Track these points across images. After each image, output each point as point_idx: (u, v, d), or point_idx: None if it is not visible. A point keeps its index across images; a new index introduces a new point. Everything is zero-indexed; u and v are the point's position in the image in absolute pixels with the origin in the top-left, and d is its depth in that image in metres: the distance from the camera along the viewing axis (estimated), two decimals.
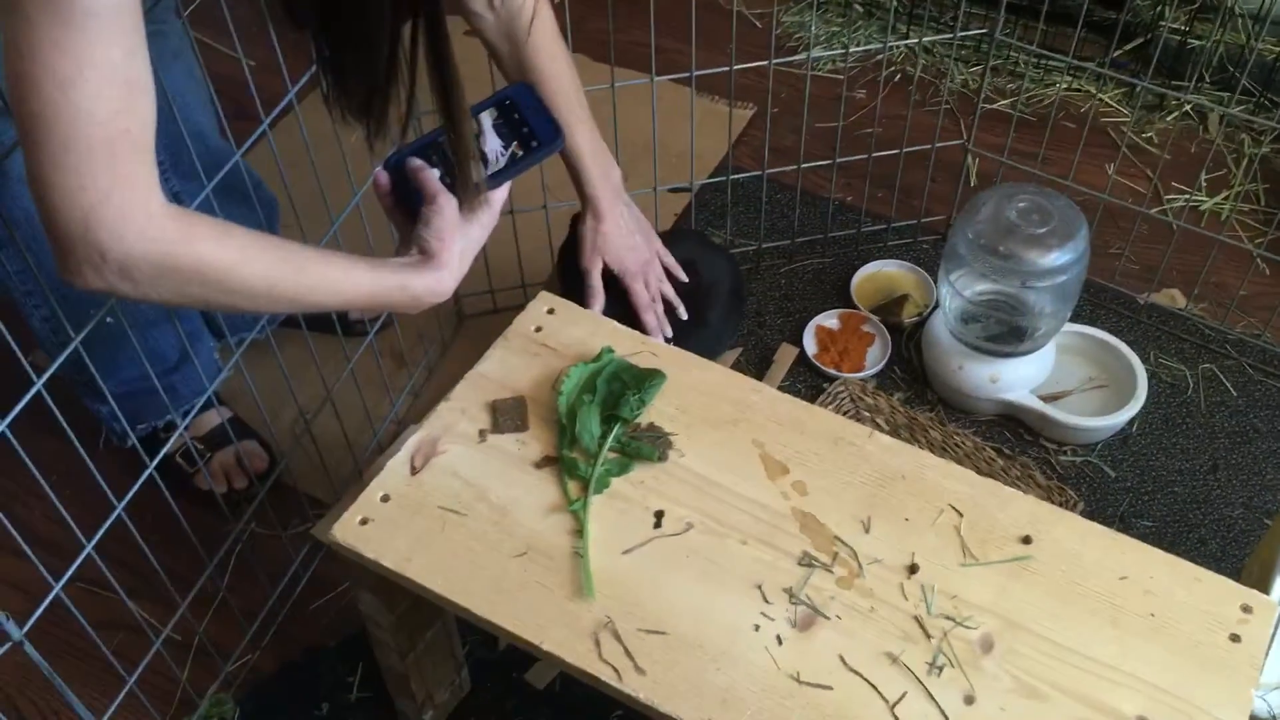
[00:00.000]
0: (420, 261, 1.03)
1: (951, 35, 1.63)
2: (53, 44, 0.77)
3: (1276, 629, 1.02)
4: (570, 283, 1.45)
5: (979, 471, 1.49)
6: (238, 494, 1.52)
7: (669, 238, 1.52)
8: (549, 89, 1.26)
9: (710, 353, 1.56)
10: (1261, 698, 1.05)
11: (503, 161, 1.07)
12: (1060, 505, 1.46)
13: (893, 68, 2.10)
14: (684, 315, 1.46)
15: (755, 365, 1.66)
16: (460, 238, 1.04)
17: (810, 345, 1.66)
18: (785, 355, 1.66)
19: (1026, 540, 1.03)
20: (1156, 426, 1.57)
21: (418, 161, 1.05)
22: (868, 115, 2.00)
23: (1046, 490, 1.49)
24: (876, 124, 1.90)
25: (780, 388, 1.63)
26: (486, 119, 1.08)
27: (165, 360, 1.45)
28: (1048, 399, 1.56)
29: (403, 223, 1.07)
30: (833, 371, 1.63)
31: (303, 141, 1.27)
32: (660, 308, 1.44)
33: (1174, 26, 1.94)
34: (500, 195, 1.08)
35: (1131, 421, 1.56)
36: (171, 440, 1.40)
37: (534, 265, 1.68)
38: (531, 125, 1.08)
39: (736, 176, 1.77)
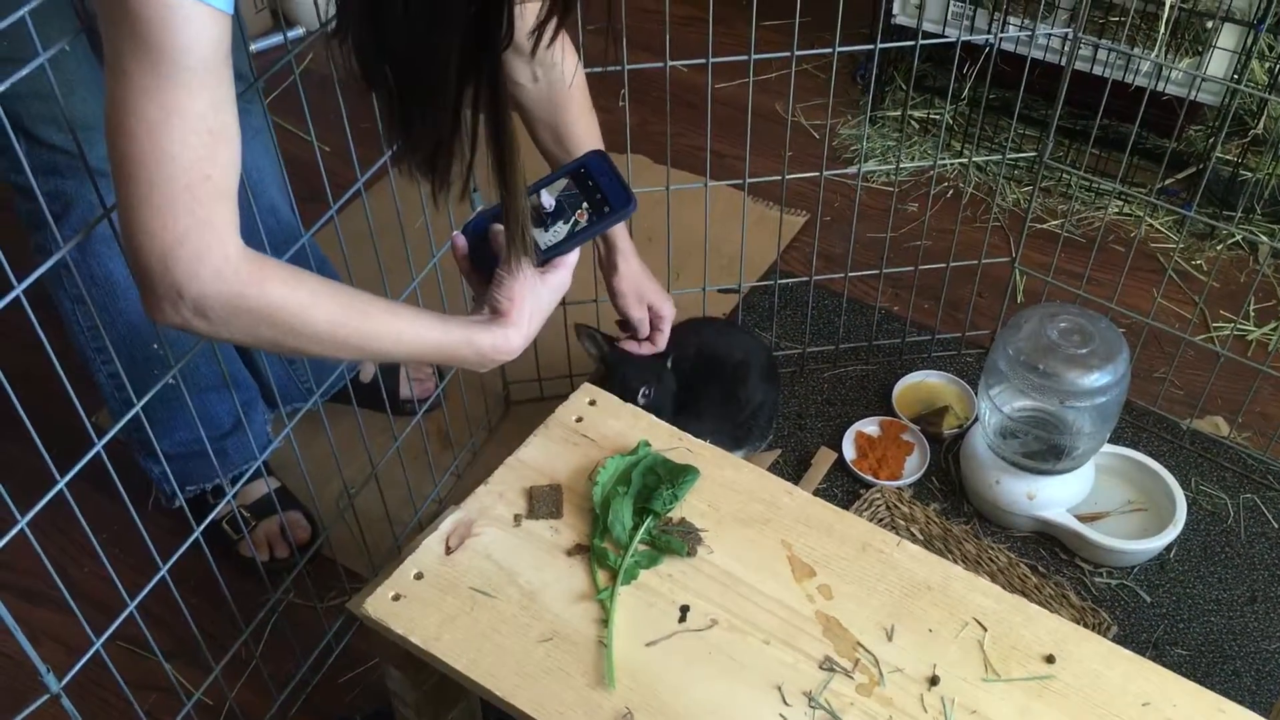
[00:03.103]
0: (490, 319, 1.07)
1: (1002, 156, 1.66)
2: (143, 92, 0.83)
3: None
4: (612, 375, 1.49)
5: (1011, 588, 1.49)
6: (279, 563, 1.55)
7: (698, 322, 1.56)
8: (582, 148, 1.30)
9: (744, 433, 1.58)
10: None
11: (572, 228, 1.11)
12: (1093, 627, 1.47)
13: (945, 184, 2.15)
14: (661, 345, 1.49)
15: (793, 467, 1.68)
16: (530, 298, 1.08)
17: (849, 450, 1.68)
18: (823, 459, 1.67)
19: (1050, 659, 1.03)
20: (1195, 554, 1.56)
21: (498, 225, 1.08)
22: (917, 228, 2.04)
23: (1080, 611, 1.48)
24: (925, 237, 1.94)
25: (817, 491, 1.65)
26: (557, 186, 1.13)
27: (219, 426, 1.50)
28: (1085, 519, 1.56)
29: (479, 286, 1.11)
30: (869, 478, 1.64)
31: (367, 225, 1.33)
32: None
33: (1225, 158, 1.96)
34: (572, 259, 1.11)
35: (1169, 547, 1.55)
36: (219, 507, 1.44)
37: (582, 357, 1.72)
38: (604, 191, 1.12)
39: (784, 281, 1.81)
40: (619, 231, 1.41)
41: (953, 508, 1.62)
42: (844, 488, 1.65)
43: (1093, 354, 1.43)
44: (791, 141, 2.14)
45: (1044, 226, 2.04)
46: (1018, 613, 1.06)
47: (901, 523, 1.59)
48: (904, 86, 2.26)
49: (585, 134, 1.32)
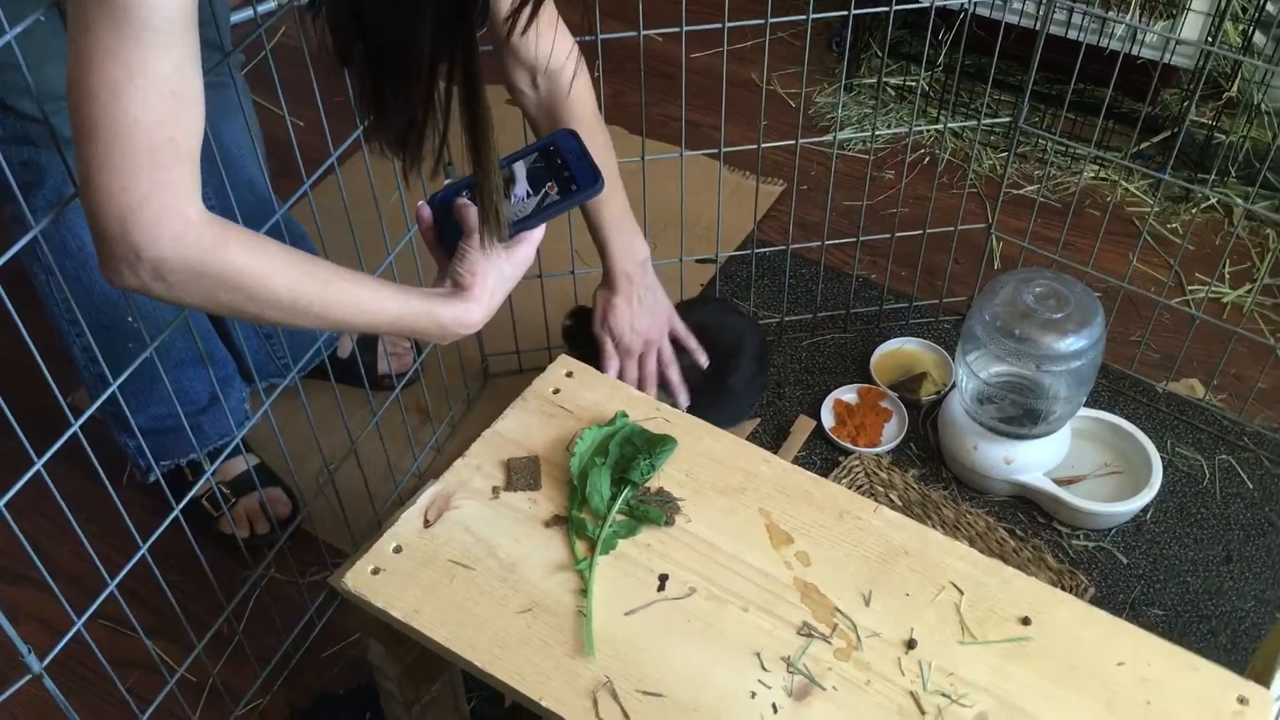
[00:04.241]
0: (452, 293, 1.07)
1: (977, 122, 1.66)
2: (107, 52, 0.82)
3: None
4: (579, 347, 1.49)
5: (989, 552, 1.50)
6: (259, 539, 1.55)
7: (695, 304, 1.56)
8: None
9: (734, 417, 1.59)
10: None
11: (540, 202, 1.11)
12: (1070, 590, 1.48)
13: (921, 150, 2.15)
14: (683, 404, 1.49)
15: (772, 436, 1.68)
16: (493, 272, 1.07)
17: (828, 418, 1.68)
18: (802, 427, 1.68)
19: (1026, 621, 1.04)
20: (1171, 515, 1.58)
21: (463, 198, 1.09)
22: (894, 196, 2.04)
23: (1058, 574, 1.50)
24: (901, 204, 1.94)
25: (796, 459, 1.65)
26: (526, 163, 1.12)
27: (195, 401, 1.50)
28: (1062, 482, 1.57)
29: (442, 258, 1.11)
30: (848, 445, 1.64)
31: (342, 200, 1.32)
32: (654, 390, 1.48)
33: (1200, 121, 1.97)
34: (537, 235, 1.11)
35: (1146, 509, 1.57)
36: (199, 484, 1.44)
37: (559, 328, 1.71)
38: (571, 170, 1.12)
39: (761, 250, 1.81)
40: (608, 252, 1.41)
41: (931, 473, 1.63)
42: (823, 455, 1.66)
43: (1068, 318, 1.44)
44: (767, 110, 2.13)
45: (1019, 192, 2.04)
46: (994, 576, 1.07)
47: (880, 489, 1.60)
48: (879, 54, 2.26)
49: (586, 138, 1.32)
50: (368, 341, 1.75)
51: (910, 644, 1.02)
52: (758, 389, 1.62)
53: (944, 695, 0.99)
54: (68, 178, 1.08)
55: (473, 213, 1.07)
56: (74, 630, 1.08)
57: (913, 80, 2.22)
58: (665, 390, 1.51)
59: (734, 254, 1.90)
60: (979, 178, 2.08)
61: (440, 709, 1.27)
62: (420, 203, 1.11)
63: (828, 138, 1.67)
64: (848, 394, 1.71)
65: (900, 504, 1.58)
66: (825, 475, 1.61)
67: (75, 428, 1.03)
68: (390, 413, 1.61)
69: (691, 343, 1.52)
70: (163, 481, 1.23)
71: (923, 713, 0.98)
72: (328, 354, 1.66)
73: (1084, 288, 1.47)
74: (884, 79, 2.23)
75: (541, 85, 1.29)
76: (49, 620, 1.48)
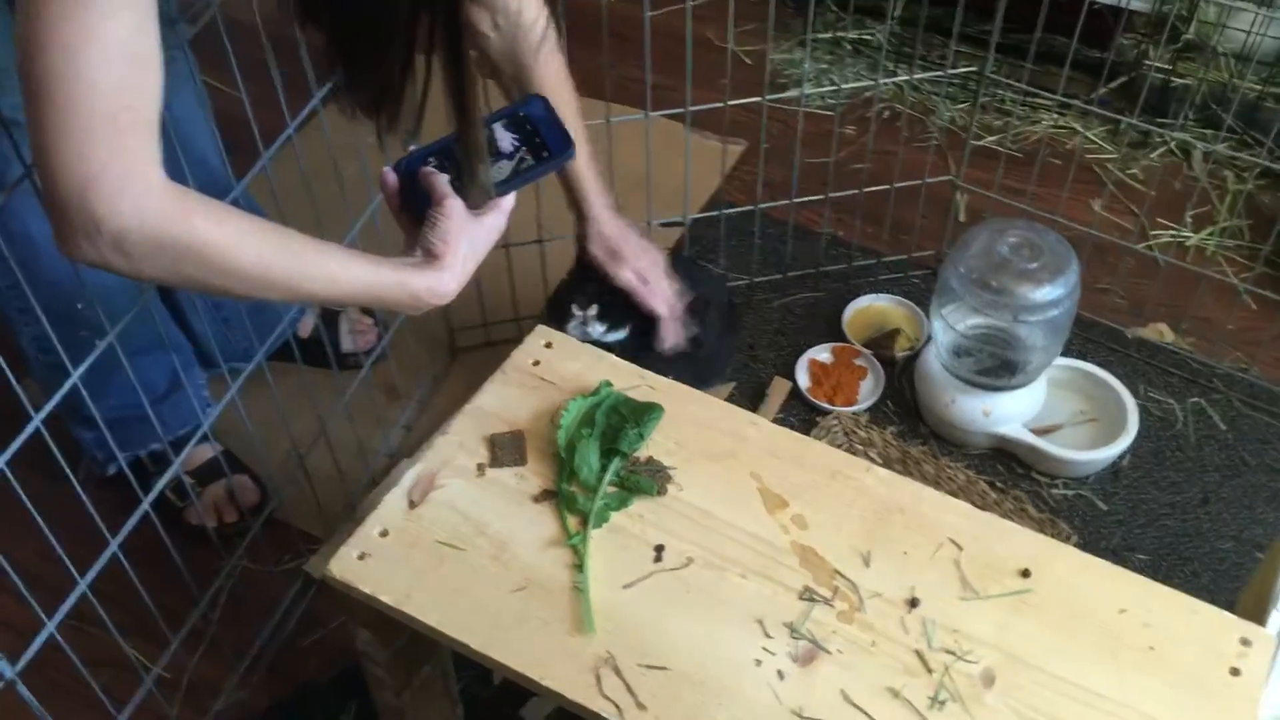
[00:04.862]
0: (423, 262, 1.03)
1: (942, 73, 1.65)
2: (61, 15, 0.78)
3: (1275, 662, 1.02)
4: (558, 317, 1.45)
5: (973, 504, 1.50)
6: (229, 529, 1.51)
7: None
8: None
9: (705, 376, 1.56)
10: None
11: (512, 169, 1.08)
12: (1054, 538, 1.47)
13: (882, 105, 2.13)
14: (695, 330, 1.47)
15: (749, 399, 1.67)
16: (465, 241, 1.04)
17: (803, 379, 1.67)
18: (779, 389, 1.66)
19: (1025, 574, 1.03)
20: (1147, 460, 1.58)
21: (430, 165, 1.05)
22: (858, 151, 2.01)
23: (1039, 524, 1.50)
24: (868, 160, 1.92)
25: (774, 421, 1.63)
26: (498, 127, 1.09)
27: (154, 389, 1.45)
28: (1039, 432, 1.57)
29: (409, 226, 1.07)
30: (826, 405, 1.63)
31: (299, 173, 1.28)
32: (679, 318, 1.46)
33: (1158, 65, 1.96)
34: (508, 202, 1.08)
35: (1122, 455, 1.57)
36: (166, 474, 1.39)
37: (528, 299, 1.68)
38: (544, 136, 1.09)
39: (729, 211, 1.79)
40: (590, 199, 1.38)
41: (909, 430, 1.63)
42: (800, 416, 1.64)
43: (1043, 268, 1.43)
44: (723, 69, 2.10)
45: (982, 143, 2.03)
46: (990, 530, 1.06)
47: (860, 448, 1.59)
48: (834, 8, 2.23)
49: (554, 88, 1.28)
50: (330, 319, 1.70)
51: (913, 602, 1.01)
52: (729, 347, 1.60)
53: (949, 652, 0.98)
54: (13, 159, 1.03)
55: (441, 179, 1.04)
56: (46, 633, 1.04)
57: (868, 34, 2.20)
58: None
59: (700, 215, 1.87)
60: (941, 131, 2.07)
61: (430, 692, 1.24)
62: (385, 169, 1.07)
63: (794, 94, 1.64)
64: (822, 353, 1.70)
65: (880, 461, 1.57)
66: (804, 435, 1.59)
67: (37, 421, 0.99)
68: (357, 393, 1.57)
69: (673, 280, 1.49)
70: (128, 472, 1.18)
71: (930, 670, 0.97)
72: (290, 335, 1.61)
73: (1057, 237, 1.46)
74: (840, 34, 2.21)
75: (503, 26, 1.24)
76: (17, 624, 1.42)
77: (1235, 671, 0.97)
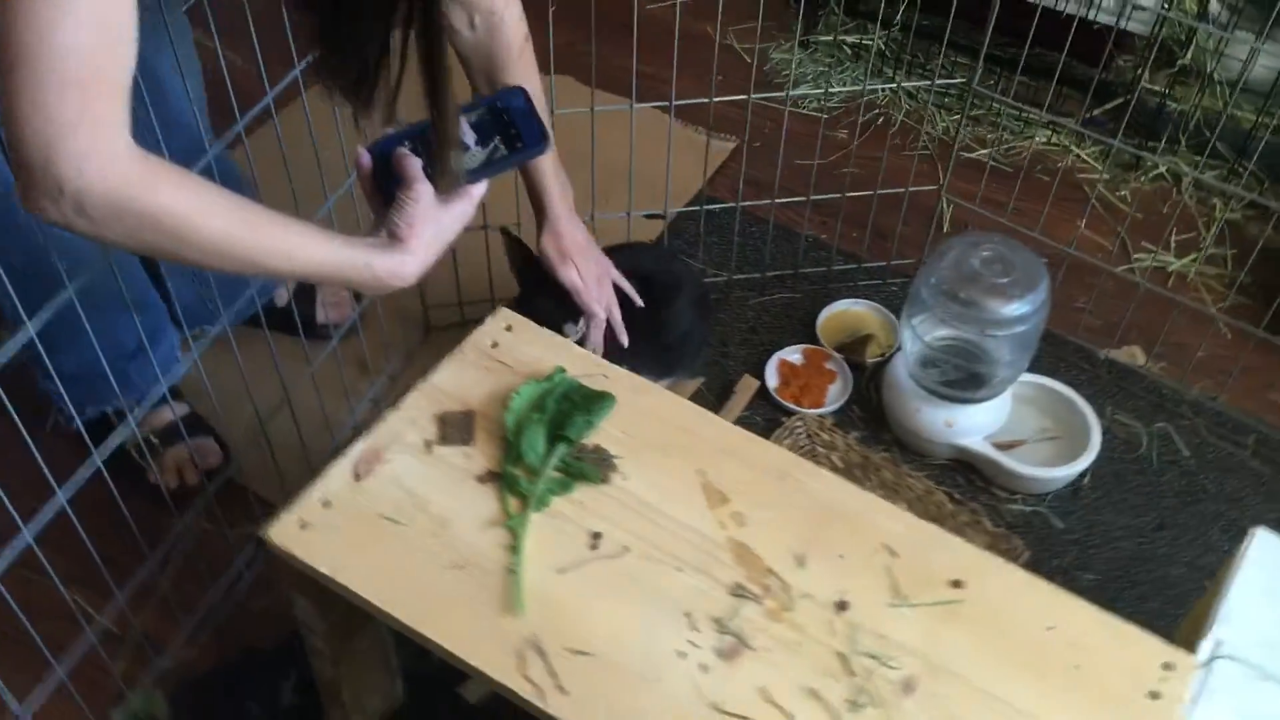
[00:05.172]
0: (387, 244, 1.04)
1: (930, 82, 1.65)
2: None
3: (1202, 685, 1.03)
4: (530, 303, 1.46)
5: (927, 515, 1.50)
6: (189, 490, 1.52)
7: (627, 248, 1.54)
8: None
9: (671, 365, 1.57)
10: None
11: (487, 158, 1.09)
12: (1005, 553, 1.48)
13: (876, 111, 2.13)
14: (624, 342, 1.47)
15: (716, 395, 1.67)
16: (430, 225, 1.05)
17: (772, 379, 1.67)
18: (746, 387, 1.67)
19: (958, 584, 1.04)
20: (1107, 481, 1.59)
21: (405, 149, 1.06)
22: (846, 156, 2.02)
23: (993, 537, 1.50)
24: (851, 163, 1.92)
25: (739, 419, 1.65)
26: (475, 116, 1.10)
27: (123, 347, 1.45)
28: (1002, 446, 1.57)
29: (379, 207, 1.08)
30: (792, 406, 1.64)
31: (278, 144, 1.28)
32: (619, 315, 1.46)
33: (1153, 88, 1.96)
34: (478, 191, 1.09)
35: (1083, 475, 1.58)
36: (121, 432, 1.40)
37: (505, 281, 1.68)
38: (519, 127, 1.10)
39: (711, 207, 1.79)
40: (550, 198, 1.39)
41: (873, 436, 1.63)
42: (766, 416, 1.65)
43: (1013, 283, 1.43)
44: (722, 65, 2.10)
45: (971, 155, 2.03)
46: (928, 539, 1.07)
47: (822, 450, 1.60)
48: (836, 10, 2.23)
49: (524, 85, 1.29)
50: (305, 291, 1.71)
51: (842, 605, 1.02)
52: (699, 339, 1.60)
53: (873, 657, 0.99)
54: None
55: (413, 163, 1.05)
56: None
57: (869, 39, 2.20)
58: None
59: (683, 210, 1.87)
60: (932, 140, 2.07)
61: (368, 664, 1.25)
62: (360, 149, 1.08)
63: (780, 94, 1.65)
64: (793, 354, 1.70)
65: (841, 465, 1.58)
66: (767, 435, 1.60)
67: None
68: (328, 365, 1.58)
69: (624, 283, 1.50)
70: (82, 429, 1.19)
71: (851, 674, 0.97)
72: (264, 302, 1.62)
73: (1030, 253, 1.46)
74: (841, 37, 2.21)
75: (479, 25, 1.26)
76: None
77: (1155, 695, 0.97)
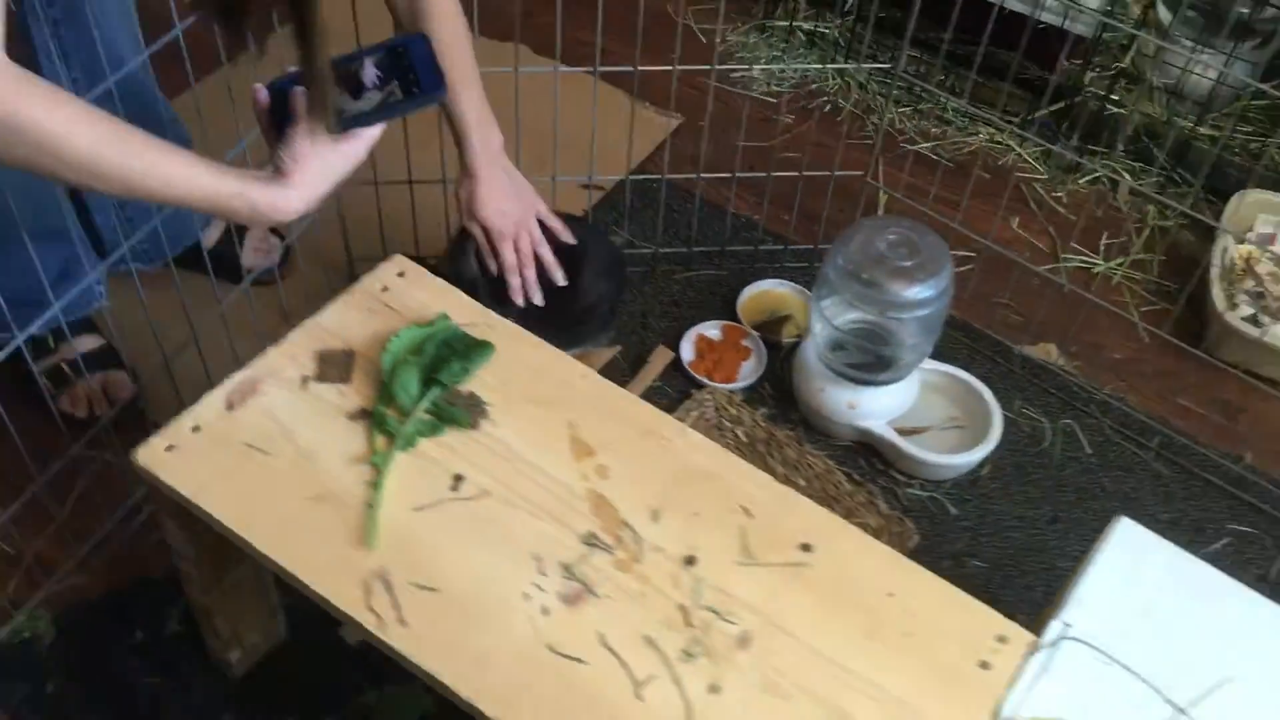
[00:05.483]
0: (271, 177, 1.06)
1: (855, 65, 1.66)
2: None
3: (1044, 664, 1.05)
4: (460, 266, 1.49)
5: (825, 494, 1.53)
6: (97, 420, 1.53)
7: None
8: (438, 50, 1.30)
9: (579, 325, 1.58)
10: None
11: (382, 101, 1.10)
12: (896, 535, 1.51)
13: (825, 99, 2.14)
14: (560, 280, 1.49)
15: (632, 365, 1.69)
16: (317, 162, 1.07)
17: (687, 352, 1.69)
18: (659, 357, 1.69)
19: (807, 548, 1.06)
20: (1007, 472, 1.61)
21: (301, 87, 1.07)
22: (791, 140, 2.03)
23: (886, 519, 1.52)
24: (797, 149, 1.94)
25: (651, 389, 1.66)
26: (373, 60, 1.11)
27: (39, 276, 1.47)
28: (906, 432, 1.59)
29: (274, 144, 1.10)
30: (703, 379, 1.65)
31: (188, 78, 1.30)
32: (532, 273, 1.48)
33: (1094, 92, 1.98)
34: (372, 132, 1.11)
35: (983, 464, 1.59)
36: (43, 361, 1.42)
37: (430, 237, 1.71)
38: (418, 72, 1.11)
39: (636, 177, 1.81)
40: (469, 145, 1.40)
41: (781, 414, 1.65)
42: (678, 388, 1.67)
43: (917, 267, 1.45)
44: (679, 44, 2.12)
45: (915, 148, 2.05)
46: (783, 502, 1.09)
47: (729, 424, 1.61)
48: None
49: (441, 29, 1.30)
50: (237, 234, 1.73)
51: (690, 560, 1.04)
52: (609, 309, 1.62)
53: (713, 611, 1.01)
54: None
55: (304, 99, 1.06)
56: None
57: (826, 27, 2.21)
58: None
59: (609, 179, 1.88)
60: (877, 130, 2.08)
61: (244, 596, 1.27)
62: (257, 86, 1.10)
63: (705, 67, 1.66)
64: (711, 330, 1.72)
65: (746, 440, 1.60)
66: (676, 407, 1.62)
67: None
68: (245, 308, 1.60)
69: (553, 220, 1.52)
70: None
71: (690, 626, 1.00)
72: (190, 244, 1.64)
73: (937, 238, 1.48)
74: (796, 23, 2.22)
75: None
76: None
77: (985, 665, 1.00)
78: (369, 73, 1.10)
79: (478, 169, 1.42)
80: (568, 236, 1.52)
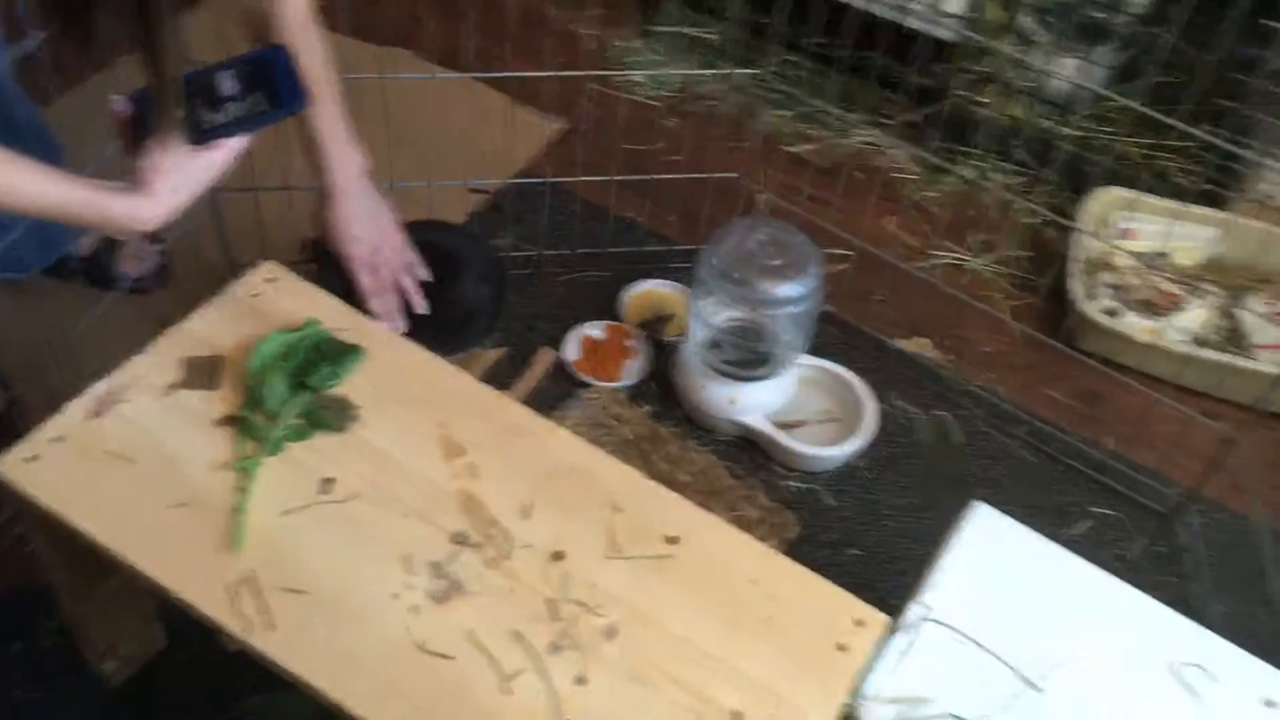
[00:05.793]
0: (127, 187, 1.06)
1: (728, 71, 1.71)
2: None
3: (905, 646, 1.09)
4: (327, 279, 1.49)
5: (707, 488, 1.56)
6: None
7: (416, 225, 1.57)
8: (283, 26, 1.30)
9: (460, 331, 1.59)
10: (873, 710, 1.11)
11: (243, 112, 1.11)
12: (777, 526, 1.55)
13: (711, 102, 2.18)
14: (421, 308, 1.50)
15: (516, 367, 1.71)
16: (176, 173, 1.07)
17: (572, 351, 1.71)
18: (542, 358, 1.71)
19: (673, 540, 1.09)
20: (882, 463, 1.66)
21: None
22: (674, 144, 2.07)
23: (767, 511, 1.56)
24: (679, 153, 1.97)
25: (535, 389, 1.68)
26: (233, 73, 1.12)
27: None
28: (785, 426, 1.63)
29: (135, 155, 1.09)
30: (587, 379, 1.68)
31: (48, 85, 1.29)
32: (394, 299, 1.49)
33: (959, 93, 2.05)
34: (235, 144, 1.11)
35: (859, 456, 1.65)
36: None
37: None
38: (278, 84, 1.12)
39: (519, 180, 1.83)
40: (330, 169, 1.41)
41: (665, 412, 1.68)
42: (563, 388, 1.69)
43: (787, 265, 1.49)
44: (565, 53, 2.15)
45: (792, 149, 2.10)
46: (652, 498, 1.12)
47: (614, 422, 1.64)
48: (683, 4, 2.29)
49: (295, 45, 1.30)
50: (111, 242, 1.70)
51: (559, 555, 1.06)
52: (489, 313, 1.63)
53: (581, 604, 1.03)
54: None
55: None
56: None
57: (709, 33, 2.26)
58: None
59: (503, 185, 1.90)
60: (758, 134, 2.13)
61: (119, 606, 1.26)
62: (116, 97, 1.10)
63: (582, 74, 1.69)
64: (595, 330, 1.75)
65: (631, 438, 1.63)
66: (561, 407, 1.64)
67: None
68: (122, 317, 1.58)
69: (409, 253, 1.52)
70: None
71: (558, 619, 1.02)
72: (61, 254, 1.62)
73: (805, 238, 1.53)
74: (683, 29, 2.26)
75: None
76: None
77: (842, 647, 1.04)
78: (228, 85, 1.10)
79: (334, 193, 1.42)
80: (423, 273, 1.53)
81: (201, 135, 1.08)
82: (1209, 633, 1.15)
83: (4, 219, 1.60)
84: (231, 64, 1.12)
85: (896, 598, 1.13)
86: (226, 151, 1.10)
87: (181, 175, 1.07)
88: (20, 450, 1.06)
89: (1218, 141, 1.37)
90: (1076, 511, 1.65)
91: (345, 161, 1.41)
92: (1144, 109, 1.34)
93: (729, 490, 1.58)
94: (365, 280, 1.47)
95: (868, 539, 1.58)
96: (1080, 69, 1.99)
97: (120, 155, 1.12)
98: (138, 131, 1.09)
